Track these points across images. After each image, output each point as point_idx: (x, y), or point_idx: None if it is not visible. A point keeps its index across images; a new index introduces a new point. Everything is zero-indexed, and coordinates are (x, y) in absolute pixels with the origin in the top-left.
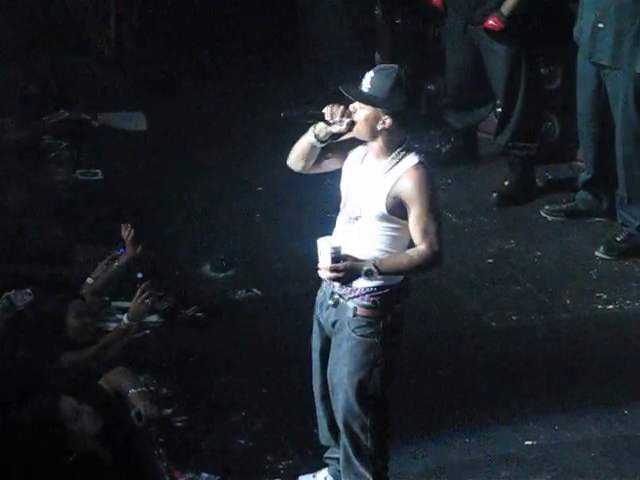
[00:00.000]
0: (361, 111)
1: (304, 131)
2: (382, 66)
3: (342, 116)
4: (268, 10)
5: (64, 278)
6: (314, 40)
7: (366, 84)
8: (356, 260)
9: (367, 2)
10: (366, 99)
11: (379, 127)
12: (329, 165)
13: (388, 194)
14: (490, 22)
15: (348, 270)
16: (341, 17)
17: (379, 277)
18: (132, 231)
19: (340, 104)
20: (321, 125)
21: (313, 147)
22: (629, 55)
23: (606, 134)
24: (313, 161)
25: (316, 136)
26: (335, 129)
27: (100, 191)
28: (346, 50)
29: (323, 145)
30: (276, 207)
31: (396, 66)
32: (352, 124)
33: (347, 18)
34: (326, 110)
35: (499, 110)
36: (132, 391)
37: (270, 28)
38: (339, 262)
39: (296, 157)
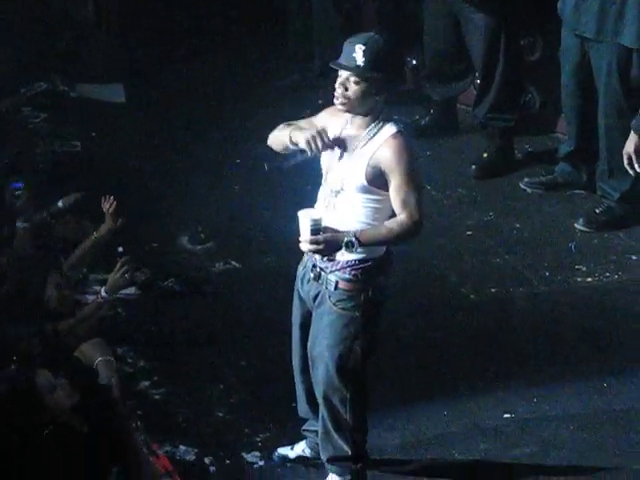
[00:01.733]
0: (355, 87)
1: (282, 106)
2: (365, 36)
3: (323, 146)
4: None
5: (44, 249)
6: (301, 11)
7: (360, 57)
8: (336, 232)
9: None
10: (368, 74)
11: (377, 99)
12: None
13: (368, 164)
14: None
15: (328, 242)
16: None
17: (359, 249)
18: (114, 203)
19: (316, 136)
20: (297, 134)
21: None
22: (613, 27)
23: (589, 107)
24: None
25: (294, 143)
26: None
27: (79, 163)
28: (334, 29)
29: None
30: (255, 180)
31: (375, 34)
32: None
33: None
34: (305, 146)
35: (478, 82)
36: (99, 359)
37: (256, 2)
38: (319, 234)
39: (276, 143)
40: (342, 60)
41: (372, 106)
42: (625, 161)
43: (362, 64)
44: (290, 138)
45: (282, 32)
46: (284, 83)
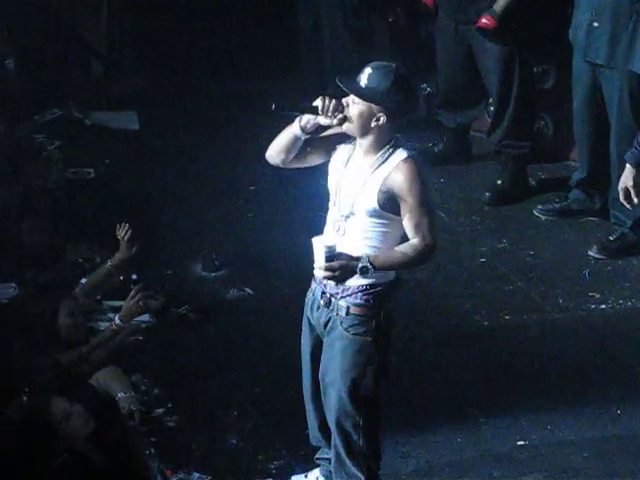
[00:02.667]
0: (356, 106)
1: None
2: (380, 63)
3: (335, 110)
4: (266, 10)
5: (56, 277)
6: (314, 41)
7: (364, 80)
8: (350, 258)
9: (364, 3)
10: (364, 95)
11: (372, 124)
12: (310, 159)
13: (379, 189)
14: (483, 21)
15: (343, 268)
16: (339, 18)
17: (374, 275)
18: (129, 231)
19: (333, 97)
20: (309, 116)
21: (297, 139)
22: (624, 54)
23: (601, 133)
24: (294, 154)
25: (302, 128)
26: (324, 122)
27: (92, 190)
28: (346, 51)
29: (307, 137)
30: (268, 207)
31: (394, 64)
32: (344, 119)
33: (344, 20)
34: (319, 102)
35: (492, 109)
36: (120, 395)
37: (268, 28)
38: (333, 261)
39: (277, 148)
40: (350, 80)
41: (373, 130)
42: (621, 196)
43: (363, 86)
44: (292, 125)
45: (295, 57)
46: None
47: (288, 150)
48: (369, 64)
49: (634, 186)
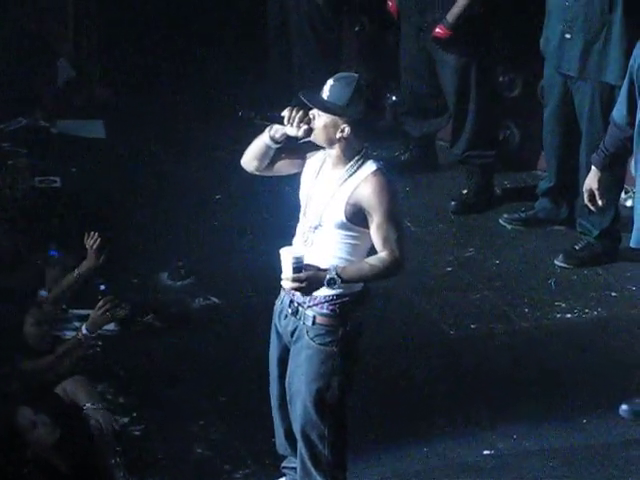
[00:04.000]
0: (320, 118)
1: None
2: (342, 74)
3: (301, 121)
4: (236, 17)
5: (22, 285)
6: (282, 48)
7: (326, 92)
8: (318, 270)
9: (331, 13)
10: (325, 107)
11: (337, 135)
12: (283, 168)
13: (347, 202)
14: (437, 30)
15: (310, 280)
16: (306, 27)
17: (341, 286)
18: (98, 240)
19: (300, 108)
20: (277, 126)
21: (268, 147)
22: (596, 66)
23: (570, 143)
24: (267, 162)
25: (272, 137)
26: (291, 132)
27: (59, 199)
28: (313, 60)
29: (278, 146)
30: (235, 215)
31: (356, 75)
32: (309, 130)
33: (311, 29)
34: (285, 113)
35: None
36: (88, 405)
37: (237, 34)
38: (301, 272)
39: (250, 156)
40: (312, 93)
41: (338, 141)
42: (586, 197)
43: (325, 98)
44: (263, 135)
45: (263, 64)
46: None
47: (260, 158)
48: (333, 76)
49: (598, 188)
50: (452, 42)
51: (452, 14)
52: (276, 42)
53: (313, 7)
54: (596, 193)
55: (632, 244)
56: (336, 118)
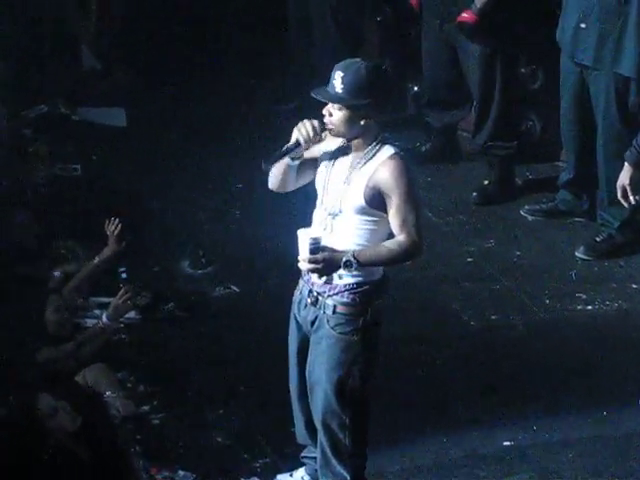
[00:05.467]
0: (338, 113)
1: (285, 130)
2: (347, 62)
3: (315, 132)
4: (257, 7)
5: (43, 272)
6: (304, 39)
7: (338, 85)
8: (335, 251)
9: (354, 4)
10: (343, 99)
11: (362, 123)
12: (309, 175)
13: (366, 185)
14: (463, 15)
15: (327, 261)
16: (328, 17)
17: (358, 269)
18: (119, 226)
19: (307, 120)
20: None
21: (290, 167)
22: (611, 56)
23: (588, 134)
24: (295, 178)
25: (292, 157)
26: (313, 147)
27: (79, 187)
28: (335, 50)
29: (299, 162)
30: (256, 204)
31: (360, 60)
32: (323, 130)
33: (333, 19)
34: (297, 134)
35: (475, 109)
36: (108, 393)
37: (259, 25)
38: (318, 253)
39: (278, 180)
40: (327, 87)
41: (361, 130)
42: (619, 193)
43: (340, 91)
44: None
45: (285, 55)
46: (287, 107)
47: (286, 179)
48: (337, 66)
49: (630, 184)
50: (477, 32)
51: (480, 0)
52: (298, 33)
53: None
54: (628, 189)
55: None
56: (356, 107)
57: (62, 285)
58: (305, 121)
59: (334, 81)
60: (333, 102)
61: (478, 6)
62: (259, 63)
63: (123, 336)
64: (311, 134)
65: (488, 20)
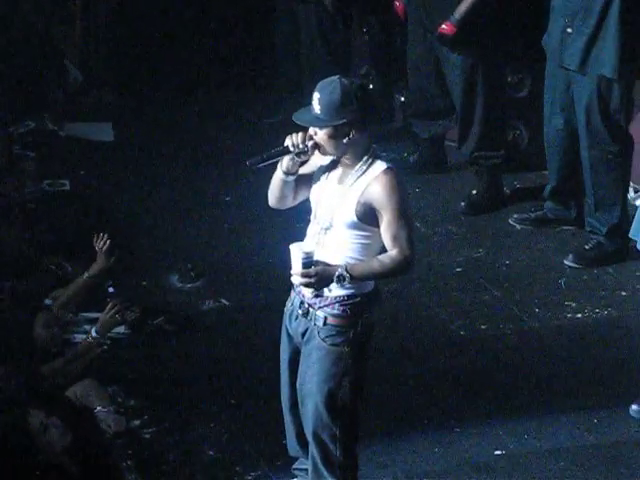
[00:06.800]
0: (322, 133)
1: (273, 143)
2: (326, 82)
3: (304, 140)
4: (244, 23)
5: (32, 288)
6: (292, 52)
7: (316, 106)
8: (328, 265)
9: (340, 15)
10: (322, 121)
11: (345, 142)
12: (307, 191)
13: (358, 201)
14: (443, 27)
15: (320, 275)
16: (315, 30)
17: (351, 283)
18: (108, 242)
19: (298, 131)
20: (286, 159)
21: (286, 182)
22: (595, 59)
23: (572, 141)
24: (292, 194)
25: (286, 172)
26: (302, 157)
27: (67, 202)
28: (323, 62)
29: (294, 177)
30: (244, 217)
31: (337, 77)
32: (316, 146)
33: (319, 31)
34: (287, 142)
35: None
36: (99, 408)
37: (245, 40)
38: (310, 267)
39: (275, 197)
40: (304, 112)
41: (347, 147)
42: None
43: (319, 112)
44: (277, 173)
45: (272, 68)
46: (275, 120)
47: (283, 194)
48: (317, 87)
49: None
50: (459, 42)
51: (459, 11)
52: (286, 47)
53: (321, 11)
54: None
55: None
56: (337, 126)
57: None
58: (301, 132)
59: (313, 102)
60: (311, 125)
61: (457, 17)
62: (246, 76)
63: (112, 351)
64: (300, 143)
65: (468, 30)
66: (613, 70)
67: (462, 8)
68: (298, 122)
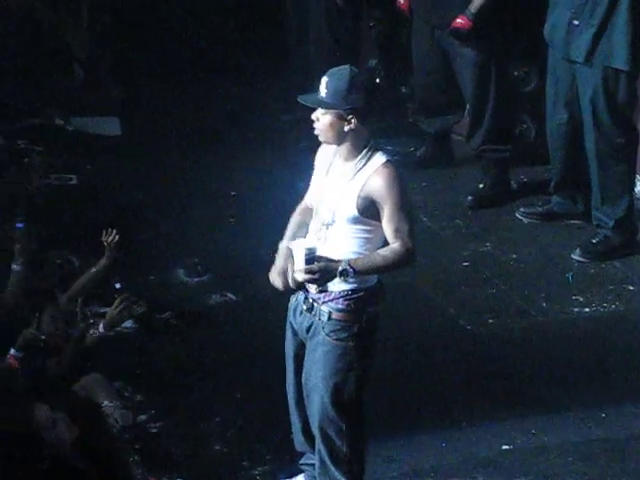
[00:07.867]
0: (324, 117)
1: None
2: (335, 69)
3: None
4: (254, 15)
5: (40, 283)
6: (301, 46)
7: (323, 90)
8: (330, 261)
9: (347, 9)
10: (327, 104)
11: (346, 129)
12: None
13: (358, 195)
14: (458, 21)
15: (323, 271)
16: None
17: (354, 277)
18: (116, 236)
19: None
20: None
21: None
22: (603, 51)
23: (576, 134)
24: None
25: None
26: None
27: (74, 196)
28: (331, 56)
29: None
30: (250, 212)
31: (348, 66)
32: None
33: (328, 25)
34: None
35: (469, 113)
36: (106, 403)
37: (255, 33)
38: (313, 263)
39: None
40: (310, 95)
41: (347, 136)
42: None
43: (324, 96)
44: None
45: (282, 62)
46: (286, 118)
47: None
48: (326, 73)
49: None
50: (471, 36)
51: (475, 5)
52: (296, 41)
53: (331, 6)
54: None
55: None
56: (340, 112)
57: (59, 295)
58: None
59: (320, 86)
60: (313, 105)
61: (472, 11)
62: (257, 73)
63: (119, 346)
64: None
65: (483, 25)
66: (625, 61)
67: (477, 2)
68: (303, 102)
